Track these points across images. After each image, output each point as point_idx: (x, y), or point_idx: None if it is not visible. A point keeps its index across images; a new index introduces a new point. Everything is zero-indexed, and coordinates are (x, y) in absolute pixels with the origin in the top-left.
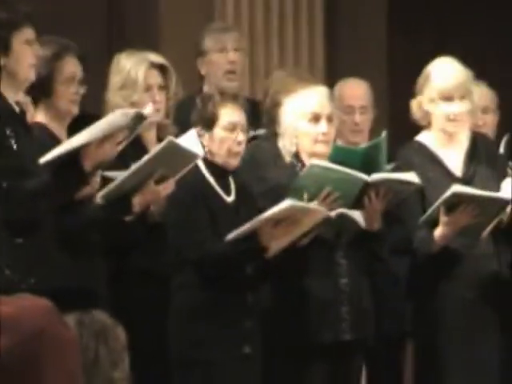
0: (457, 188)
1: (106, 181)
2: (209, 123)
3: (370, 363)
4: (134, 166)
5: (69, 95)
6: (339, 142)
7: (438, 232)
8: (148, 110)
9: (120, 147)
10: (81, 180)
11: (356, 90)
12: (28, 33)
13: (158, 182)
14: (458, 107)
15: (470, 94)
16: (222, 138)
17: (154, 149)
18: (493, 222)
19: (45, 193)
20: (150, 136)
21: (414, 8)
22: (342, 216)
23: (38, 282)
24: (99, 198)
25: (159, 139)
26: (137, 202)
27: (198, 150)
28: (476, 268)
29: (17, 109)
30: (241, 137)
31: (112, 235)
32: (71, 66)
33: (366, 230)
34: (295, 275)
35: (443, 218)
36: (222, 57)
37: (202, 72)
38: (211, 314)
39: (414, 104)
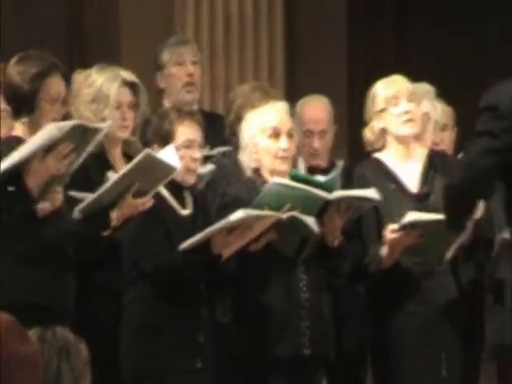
0: (410, 216)
1: (71, 200)
2: (165, 141)
3: (330, 380)
4: (112, 180)
5: (53, 114)
6: (301, 164)
7: (384, 251)
8: (105, 125)
9: (66, 161)
10: (26, 198)
11: (316, 112)
12: None
13: (137, 196)
14: (407, 106)
15: (420, 103)
16: (178, 155)
17: (132, 162)
18: (454, 242)
19: None
20: (116, 152)
21: (376, 22)
22: (293, 219)
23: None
24: (77, 211)
25: (125, 155)
26: (114, 216)
27: (176, 164)
28: (432, 285)
29: None
30: (197, 154)
31: (87, 250)
32: (57, 86)
33: (327, 245)
34: (255, 290)
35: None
36: (180, 70)
37: (161, 86)
38: (163, 327)
39: (367, 131)
